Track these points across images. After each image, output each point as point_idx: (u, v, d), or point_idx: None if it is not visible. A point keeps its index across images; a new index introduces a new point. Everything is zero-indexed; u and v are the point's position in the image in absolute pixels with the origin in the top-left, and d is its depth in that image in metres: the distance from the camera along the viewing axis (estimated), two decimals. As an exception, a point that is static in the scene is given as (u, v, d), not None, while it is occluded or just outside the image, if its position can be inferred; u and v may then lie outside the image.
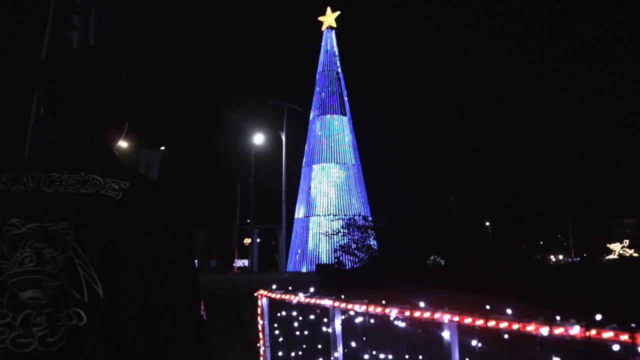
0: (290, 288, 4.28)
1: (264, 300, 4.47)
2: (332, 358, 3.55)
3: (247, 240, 48.37)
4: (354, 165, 45.22)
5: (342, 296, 3.53)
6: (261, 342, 4.49)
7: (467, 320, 2.49)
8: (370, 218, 27.39)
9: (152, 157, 12.29)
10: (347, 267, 23.85)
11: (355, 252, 22.79)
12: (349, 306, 3.35)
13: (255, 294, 4.54)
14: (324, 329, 3.80)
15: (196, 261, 1.25)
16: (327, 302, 3.59)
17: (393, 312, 2.93)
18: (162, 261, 1.04)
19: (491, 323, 2.38)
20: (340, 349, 3.51)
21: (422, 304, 2.76)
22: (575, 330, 2.06)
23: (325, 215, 43.04)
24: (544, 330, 2.17)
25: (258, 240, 47.27)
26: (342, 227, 24.09)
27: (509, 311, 2.37)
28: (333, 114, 45.39)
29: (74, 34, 3.05)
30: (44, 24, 3.05)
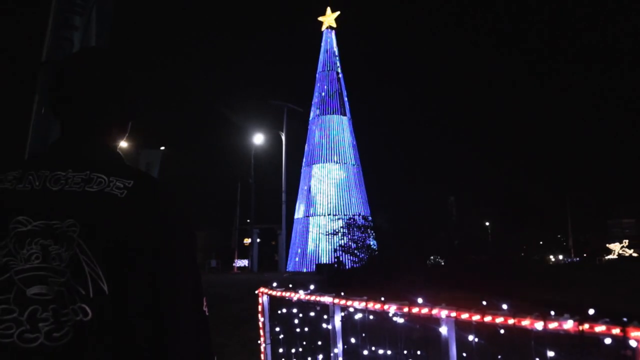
0: (290, 286, 4.33)
1: (265, 297, 4.51)
2: (331, 354, 3.59)
3: (247, 240, 48.39)
4: (353, 165, 45.26)
5: (342, 293, 3.58)
6: (262, 339, 4.53)
7: (464, 316, 2.54)
8: (370, 218, 27.38)
9: (152, 157, 12.32)
10: (347, 267, 23.88)
11: (355, 252, 22.81)
12: (349, 303, 3.40)
13: (256, 292, 4.58)
14: (324, 325, 3.84)
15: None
16: (327, 299, 3.63)
17: (392, 309, 2.98)
18: (166, 258, 1.06)
19: (487, 318, 2.43)
20: (339, 345, 3.55)
21: (420, 300, 2.81)
22: (569, 324, 2.11)
23: (325, 215, 43.07)
24: (539, 325, 2.21)
25: (258, 240, 47.29)
26: (342, 227, 24.11)
27: (504, 307, 2.42)
28: (333, 114, 45.44)
29: (75, 35, 3.04)
30: (45, 25, 3.06)
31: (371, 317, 3.33)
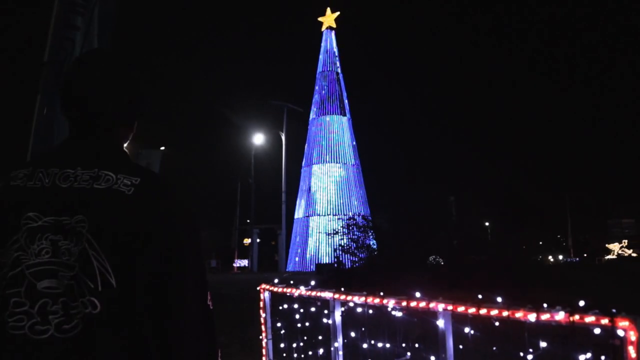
0: (292, 282, 4.40)
1: (266, 294, 4.58)
2: (332, 348, 3.67)
3: (247, 240, 48.43)
4: (353, 165, 45.27)
5: (342, 288, 3.66)
6: (263, 334, 4.60)
7: (460, 309, 2.62)
8: (370, 218, 27.38)
9: (152, 156, 12.32)
10: (347, 267, 23.87)
11: (355, 251, 22.81)
12: (349, 298, 3.48)
13: (258, 288, 4.64)
14: (325, 320, 3.91)
15: None
16: (327, 295, 3.70)
17: (390, 303, 3.05)
18: (171, 252, 1.10)
19: (483, 311, 2.51)
20: (340, 339, 3.62)
21: (418, 295, 2.89)
22: (560, 315, 2.19)
23: (325, 215, 43.11)
24: (532, 317, 2.30)
25: (258, 240, 47.32)
26: (342, 227, 24.11)
27: (499, 299, 2.50)
28: (333, 114, 45.48)
29: (77, 35, 3.07)
30: (47, 25, 3.09)
31: (370, 311, 3.41)
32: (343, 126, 45.54)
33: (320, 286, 4.09)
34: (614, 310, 2.06)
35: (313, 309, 4.12)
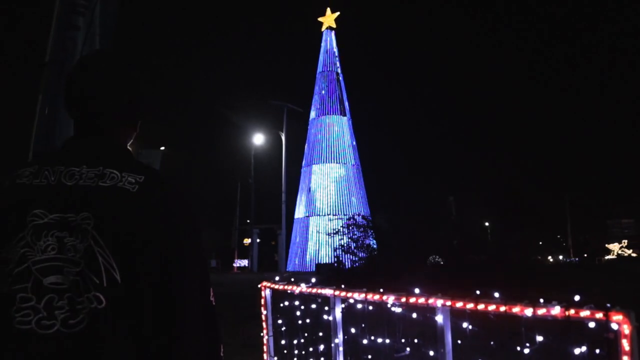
0: (292, 279, 4.45)
1: (267, 291, 4.63)
2: (332, 344, 3.71)
3: (247, 240, 48.52)
4: (353, 165, 45.35)
5: (342, 286, 3.70)
6: (264, 331, 4.64)
7: (459, 304, 2.67)
8: (370, 218, 27.40)
9: (152, 156, 12.34)
10: (347, 267, 23.87)
11: (355, 251, 22.83)
12: (349, 294, 3.53)
13: (259, 285, 4.69)
14: (325, 317, 3.96)
15: None
16: (327, 292, 3.76)
17: (390, 299, 3.10)
18: (175, 249, 1.12)
19: (480, 306, 2.56)
20: (340, 335, 3.67)
21: (417, 291, 2.94)
22: (556, 310, 2.24)
23: (325, 215, 43.17)
24: (528, 312, 2.35)
25: (258, 240, 47.40)
26: (342, 227, 24.13)
27: (496, 294, 2.55)
28: (333, 114, 45.55)
29: (78, 35, 3.10)
30: (48, 25, 3.11)
31: (370, 307, 3.45)
32: (343, 126, 45.61)
33: (321, 284, 4.13)
34: (608, 305, 2.11)
35: (314, 306, 4.16)
